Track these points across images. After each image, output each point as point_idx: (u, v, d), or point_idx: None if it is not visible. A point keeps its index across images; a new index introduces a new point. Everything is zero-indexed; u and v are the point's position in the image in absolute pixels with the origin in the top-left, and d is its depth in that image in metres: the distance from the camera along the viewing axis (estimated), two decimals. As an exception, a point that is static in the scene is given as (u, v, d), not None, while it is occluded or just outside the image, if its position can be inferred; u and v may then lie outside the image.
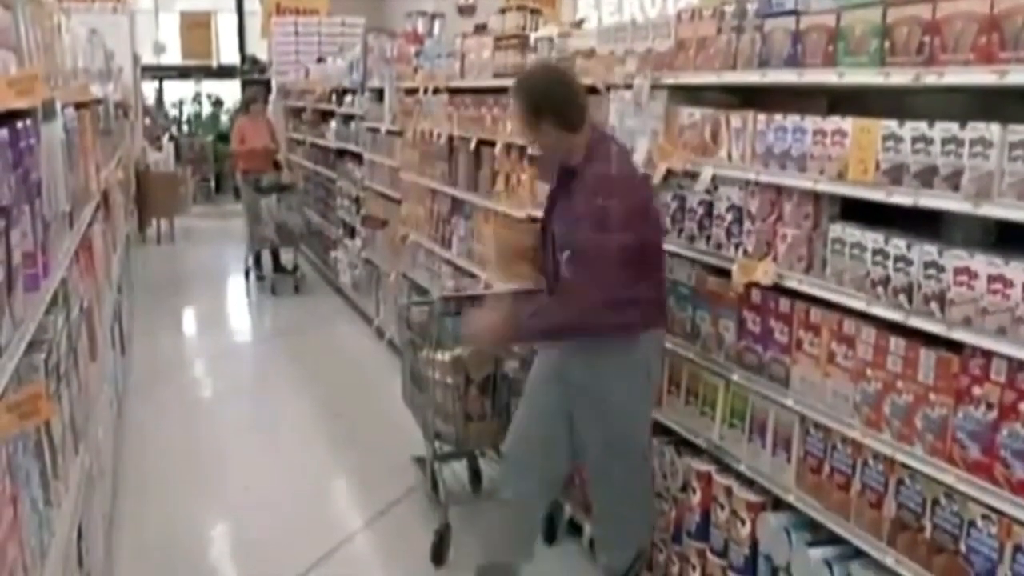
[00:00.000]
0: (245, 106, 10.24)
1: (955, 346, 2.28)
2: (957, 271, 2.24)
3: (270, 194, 9.28)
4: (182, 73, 18.26)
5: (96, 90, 5.43)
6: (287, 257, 9.64)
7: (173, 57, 18.11)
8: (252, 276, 9.64)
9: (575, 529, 4.18)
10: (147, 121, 15.12)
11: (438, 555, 3.97)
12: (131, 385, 6.24)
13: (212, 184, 17.10)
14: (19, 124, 2.29)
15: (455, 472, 4.58)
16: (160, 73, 18.20)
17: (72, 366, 2.98)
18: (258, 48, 17.18)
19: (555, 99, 3.16)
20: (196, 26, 17.79)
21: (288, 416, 5.87)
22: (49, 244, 2.67)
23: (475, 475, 4.61)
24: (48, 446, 2.40)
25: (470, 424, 4.05)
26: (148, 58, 16.81)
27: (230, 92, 17.91)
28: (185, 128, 17.93)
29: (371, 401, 5.85)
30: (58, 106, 3.10)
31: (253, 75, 16.91)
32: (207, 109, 18.29)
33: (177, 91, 18.53)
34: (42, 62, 2.98)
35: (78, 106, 4.16)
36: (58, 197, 2.97)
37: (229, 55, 18.21)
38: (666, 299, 3.35)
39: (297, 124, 11.96)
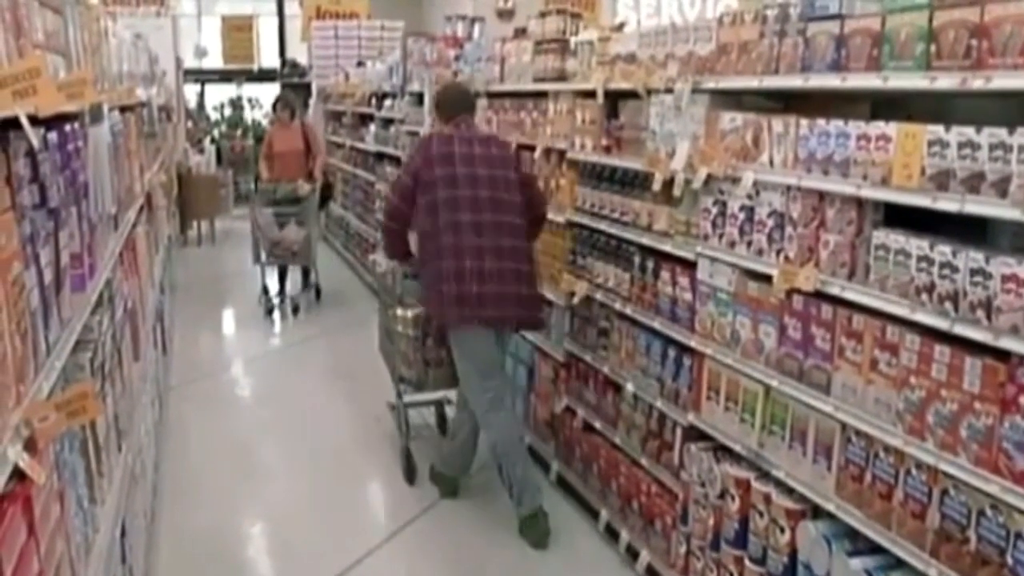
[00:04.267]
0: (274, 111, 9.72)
1: (1002, 354, 2.24)
2: (1004, 278, 2.20)
3: (283, 205, 8.49)
4: (223, 76, 18.45)
5: (140, 93, 5.51)
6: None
7: (215, 61, 18.32)
8: (263, 303, 8.62)
9: (612, 536, 4.17)
10: (189, 124, 15.31)
11: (409, 476, 4.83)
12: (172, 384, 6.32)
13: (253, 186, 17.23)
14: (67, 127, 2.33)
15: (423, 415, 5.45)
16: (202, 76, 18.42)
17: (116, 365, 3.03)
18: (298, 52, 17.33)
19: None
20: (237, 30, 17.98)
21: (326, 417, 5.91)
22: (95, 245, 2.72)
23: (441, 419, 5.45)
24: (93, 444, 2.44)
25: (429, 369, 4.80)
26: (190, 62, 17.03)
27: (271, 96, 18.06)
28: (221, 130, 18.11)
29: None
30: (105, 109, 3.15)
31: (293, 79, 17.05)
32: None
33: (219, 94, 18.73)
34: (89, 66, 3.04)
35: (123, 109, 4.23)
36: (104, 199, 3.02)
37: (270, 59, 18.39)
38: None
39: (337, 128, 12.05)
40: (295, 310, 8.66)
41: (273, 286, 8.81)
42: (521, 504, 4.23)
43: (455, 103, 4.53)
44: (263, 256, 8.50)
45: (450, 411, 5.18)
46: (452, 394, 4.93)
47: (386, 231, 4.52)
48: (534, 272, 4.35)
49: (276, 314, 8.58)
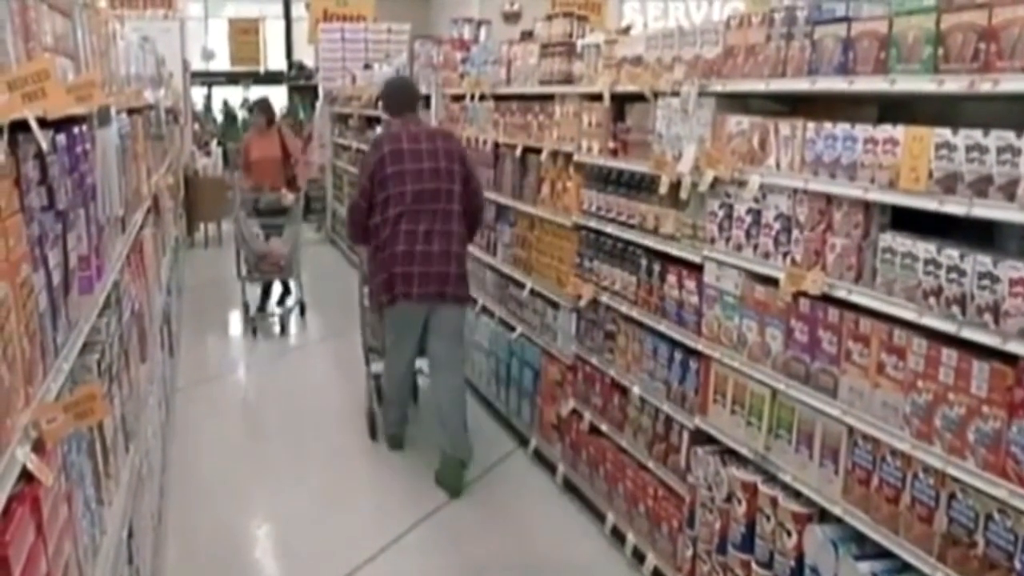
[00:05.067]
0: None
1: (1009, 358, 2.23)
2: (1012, 282, 2.20)
3: (268, 216, 8.25)
4: (230, 79, 18.51)
5: (148, 96, 5.53)
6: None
7: (222, 63, 18.38)
8: (249, 321, 8.24)
9: (618, 538, 4.17)
10: (196, 127, 15.34)
11: (372, 434, 5.49)
12: (179, 386, 6.33)
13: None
14: (75, 129, 2.34)
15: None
16: (209, 79, 18.48)
17: (123, 367, 3.03)
18: (305, 54, 17.38)
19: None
20: (244, 32, 18.06)
21: (333, 419, 5.91)
22: (103, 247, 2.72)
23: (413, 387, 5.80)
24: (101, 445, 2.44)
25: None
26: (197, 64, 17.08)
27: (278, 98, 18.12)
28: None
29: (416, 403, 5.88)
30: (113, 112, 3.16)
31: (300, 81, 17.08)
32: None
33: (226, 96, 18.80)
34: (97, 68, 3.05)
35: (131, 112, 4.24)
36: (112, 201, 3.03)
37: (276, 61, 18.44)
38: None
39: (343, 130, 12.07)
40: (282, 328, 8.32)
41: (255, 302, 8.49)
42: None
43: (401, 102, 5.11)
44: (245, 271, 8.22)
45: (421, 381, 5.59)
46: (424, 364, 5.24)
47: (349, 222, 5.20)
48: (464, 254, 4.97)
49: (276, 326, 8.35)
